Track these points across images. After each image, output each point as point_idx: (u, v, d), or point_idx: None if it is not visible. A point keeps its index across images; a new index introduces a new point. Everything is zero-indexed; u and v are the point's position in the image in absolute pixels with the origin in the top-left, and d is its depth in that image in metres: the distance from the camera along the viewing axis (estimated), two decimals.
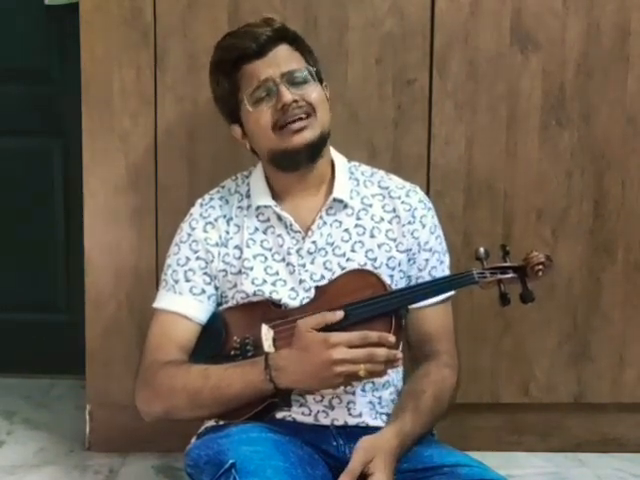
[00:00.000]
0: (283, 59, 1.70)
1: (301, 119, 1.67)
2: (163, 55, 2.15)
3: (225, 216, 1.78)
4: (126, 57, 2.15)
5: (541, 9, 2.17)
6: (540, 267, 1.61)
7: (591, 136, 2.21)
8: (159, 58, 2.15)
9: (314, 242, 1.73)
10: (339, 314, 1.59)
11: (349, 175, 1.80)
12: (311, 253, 1.73)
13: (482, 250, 1.64)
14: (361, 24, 2.16)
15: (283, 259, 1.73)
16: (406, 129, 2.19)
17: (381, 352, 1.53)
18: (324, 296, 1.67)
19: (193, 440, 1.72)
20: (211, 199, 1.81)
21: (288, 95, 1.66)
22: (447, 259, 1.84)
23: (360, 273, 1.70)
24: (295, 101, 1.67)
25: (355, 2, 2.16)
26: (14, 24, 2.73)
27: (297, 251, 1.73)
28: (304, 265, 1.72)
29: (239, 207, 1.79)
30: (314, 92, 1.70)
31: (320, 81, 1.75)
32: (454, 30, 2.17)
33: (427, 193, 2.15)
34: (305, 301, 1.69)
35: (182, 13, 2.15)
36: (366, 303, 1.61)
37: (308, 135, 1.68)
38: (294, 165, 1.71)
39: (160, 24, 2.15)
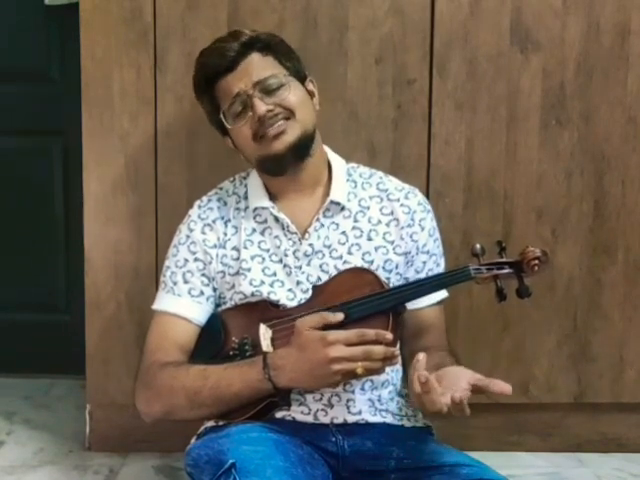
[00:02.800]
0: (254, 69, 1.68)
1: (277, 123, 1.67)
2: (163, 55, 2.15)
3: (223, 218, 1.78)
4: (126, 57, 2.15)
5: (541, 9, 2.17)
6: (536, 262, 1.61)
7: (591, 136, 2.21)
8: (159, 58, 2.15)
9: (311, 244, 1.73)
10: (339, 315, 1.59)
11: (347, 177, 1.80)
12: (308, 255, 1.73)
13: (478, 246, 1.64)
14: (361, 24, 2.16)
15: (280, 260, 1.73)
16: (406, 129, 2.19)
17: (378, 350, 1.53)
18: (322, 295, 1.67)
19: (193, 440, 1.73)
20: (209, 201, 1.81)
21: (262, 106, 1.66)
22: (443, 262, 1.84)
23: (357, 271, 1.70)
24: (270, 110, 1.66)
25: (355, 2, 2.15)
26: (14, 24, 2.73)
27: (294, 253, 1.73)
28: (300, 267, 1.72)
29: (237, 208, 1.78)
30: (290, 94, 1.69)
31: (302, 79, 1.74)
32: (454, 30, 2.17)
33: (427, 193, 2.15)
34: (303, 301, 1.70)
35: (182, 13, 2.15)
36: (363, 301, 1.61)
37: (288, 138, 1.67)
38: (281, 169, 1.72)
39: (160, 24, 2.15)
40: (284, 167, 1.71)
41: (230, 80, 1.68)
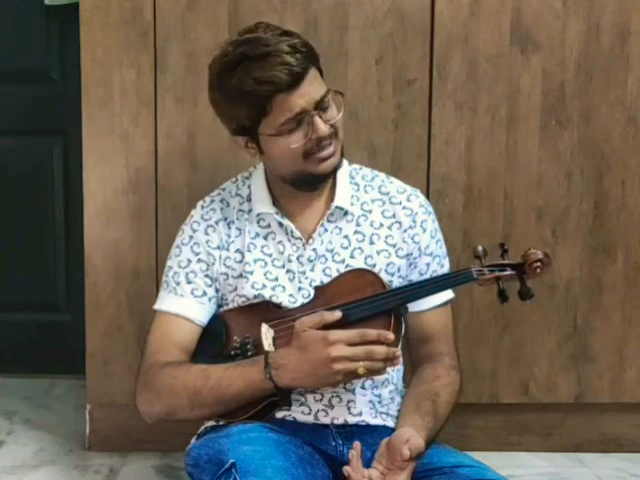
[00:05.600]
0: (313, 86, 1.62)
1: (330, 144, 1.65)
2: (163, 55, 2.15)
3: (226, 219, 1.77)
4: (126, 57, 2.15)
5: (541, 9, 2.17)
6: (538, 264, 1.61)
7: (591, 136, 2.21)
8: (159, 58, 2.16)
9: (314, 249, 1.73)
10: (337, 314, 1.59)
11: (349, 180, 1.79)
12: (311, 260, 1.73)
13: (480, 248, 1.64)
14: (361, 24, 2.16)
15: (283, 265, 1.73)
16: (406, 129, 2.19)
17: (380, 350, 1.53)
18: (324, 296, 1.67)
19: (193, 440, 1.73)
20: (212, 201, 1.80)
21: (324, 128, 1.62)
22: (447, 263, 1.84)
23: (359, 272, 1.70)
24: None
25: (355, 2, 2.16)
26: (14, 24, 2.73)
27: (297, 258, 1.73)
28: (304, 272, 1.72)
29: (240, 210, 1.78)
30: (337, 114, 1.66)
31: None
32: (454, 30, 2.17)
33: (427, 193, 2.16)
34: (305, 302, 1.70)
35: (182, 13, 2.15)
36: (365, 302, 1.62)
37: (335, 160, 1.67)
38: (314, 186, 1.71)
39: (160, 24, 2.15)
40: (318, 185, 1.71)
41: (292, 98, 1.60)
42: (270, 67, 1.58)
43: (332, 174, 1.70)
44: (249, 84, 1.59)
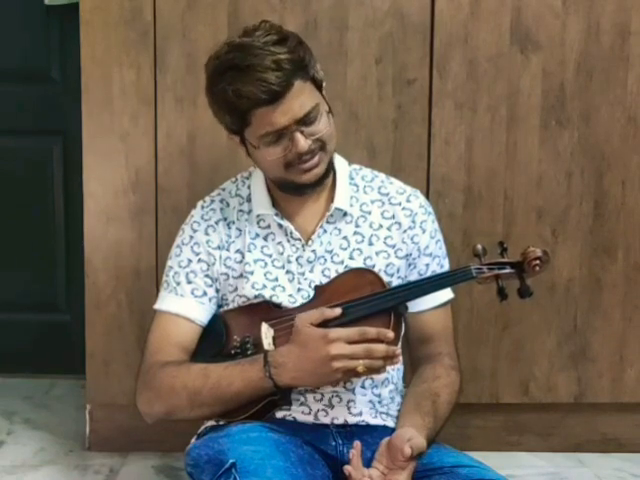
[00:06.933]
0: (297, 101, 1.60)
1: (313, 157, 1.64)
2: (163, 55, 2.16)
3: (226, 219, 1.77)
4: (126, 57, 2.16)
5: (541, 9, 2.17)
6: (537, 262, 1.61)
7: (591, 136, 2.21)
8: (159, 58, 2.16)
9: (314, 251, 1.73)
10: (337, 310, 1.59)
11: (349, 180, 1.79)
12: (311, 262, 1.73)
13: (479, 246, 1.65)
14: (361, 24, 2.16)
15: (283, 266, 1.73)
16: (406, 129, 2.19)
17: (380, 348, 1.53)
18: (323, 295, 1.67)
19: (193, 440, 1.73)
20: (212, 201, 1.80)
21: (304, 144, 1.61)
22: (447, 263, 1.84)
23: (359, 271, 1.70)
24: (309, 145, 1.63)
25: (355, 2, 2.16)
26: (14, 24, 2.73)
27: (297, 259, 1.73)
28: (303, 273, 1.72)
29: (240, 210, 1.78)
30: (325, 127, 1.64)
31: (320, 86, 1.68)
32: (454, 30, 2.17)
33: (427, 193, 2.16)
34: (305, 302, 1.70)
35: (182, 13, 2.15)
36: (365, 300, 1.61)
37: (318, 171, 1.66)
38: (301, 192, 1.70)
39: (160, 24, 2.15)
40: (306, 192, 1.70)
41: (272, 114, 1.58)
42: (249, 82, 1.57)
43: (318, 184, 1.69)
44: (229, 95, 1.59)
